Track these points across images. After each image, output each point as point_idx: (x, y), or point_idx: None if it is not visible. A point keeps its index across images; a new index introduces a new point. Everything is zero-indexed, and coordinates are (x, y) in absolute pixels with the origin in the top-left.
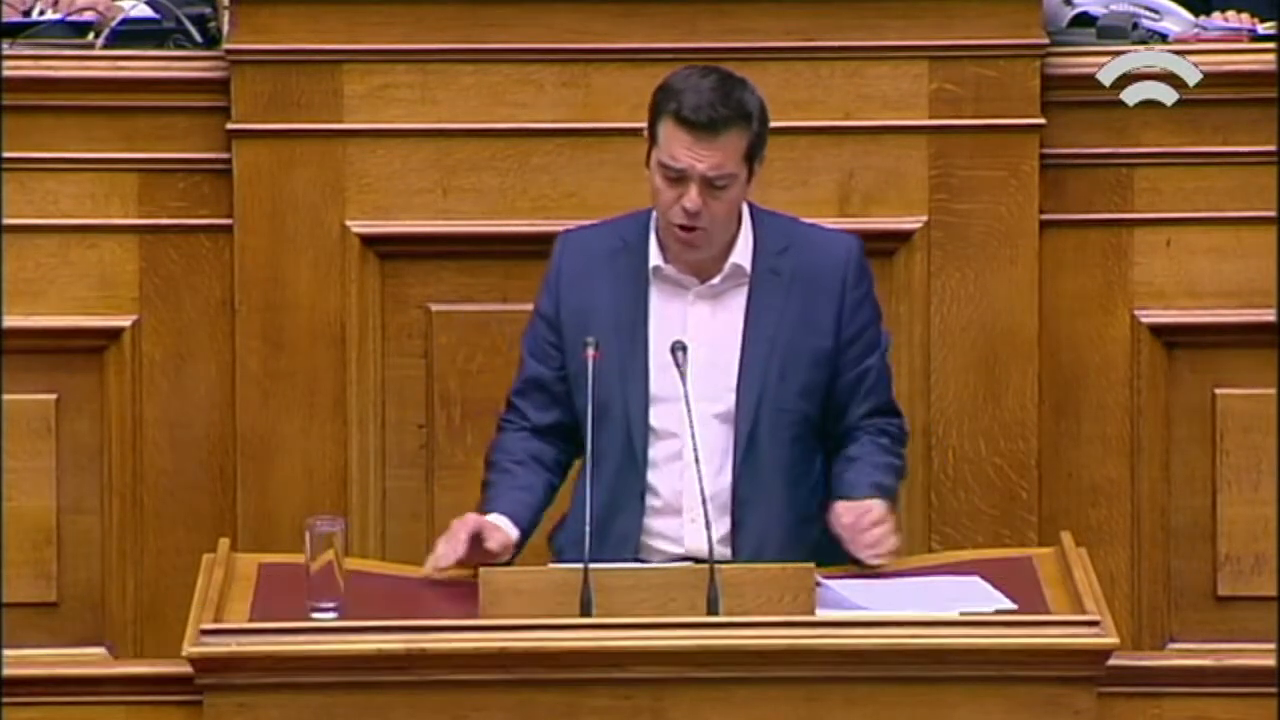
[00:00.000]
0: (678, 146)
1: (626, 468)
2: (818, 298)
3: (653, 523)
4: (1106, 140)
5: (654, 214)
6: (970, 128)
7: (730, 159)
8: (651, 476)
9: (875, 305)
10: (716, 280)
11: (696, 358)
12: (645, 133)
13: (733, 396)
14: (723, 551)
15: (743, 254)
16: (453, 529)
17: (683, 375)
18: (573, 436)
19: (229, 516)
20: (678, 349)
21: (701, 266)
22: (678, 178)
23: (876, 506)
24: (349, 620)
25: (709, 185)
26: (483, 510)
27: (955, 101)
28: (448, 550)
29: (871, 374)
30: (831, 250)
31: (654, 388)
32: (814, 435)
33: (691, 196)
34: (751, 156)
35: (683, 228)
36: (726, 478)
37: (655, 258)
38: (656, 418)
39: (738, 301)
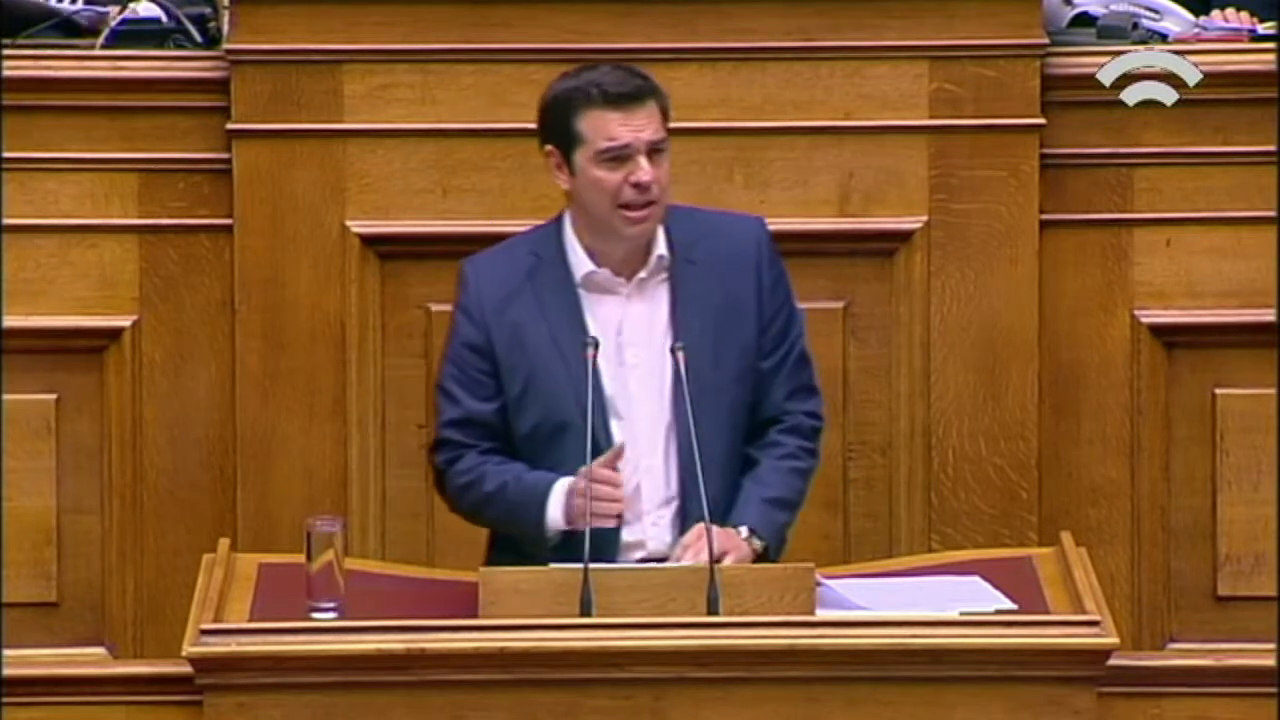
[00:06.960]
0: (614, 126)
1: None
2: (735, 283)
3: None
4: (1106, 140)
5: (565, 222)
6: (970, 128)
7: (660, 124)
8: None
9: (789, 284)
10: (644, 273)
11: (637, 359)
12: (547, 147)
13: (670, 390)
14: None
15: (662, 245)
16: (614, 487)
17: (683, 376)
18: None
19: (229, 516)
20: (677, 349)
21: (628, 262)
22: (620, 157)
23: (696, 544)
24: (349, 620)
25: (653, 153)
26: (543, 491)
27: (955, 101)
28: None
29: (794, 353)
30: (740, 234)
31: (609, 394)
32: (749, 422)
33: (643, 167)
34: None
35: (635, 206)
36: (673, 471)
37: (584, 264)
38: (615, 425)
39: (664, 297)
